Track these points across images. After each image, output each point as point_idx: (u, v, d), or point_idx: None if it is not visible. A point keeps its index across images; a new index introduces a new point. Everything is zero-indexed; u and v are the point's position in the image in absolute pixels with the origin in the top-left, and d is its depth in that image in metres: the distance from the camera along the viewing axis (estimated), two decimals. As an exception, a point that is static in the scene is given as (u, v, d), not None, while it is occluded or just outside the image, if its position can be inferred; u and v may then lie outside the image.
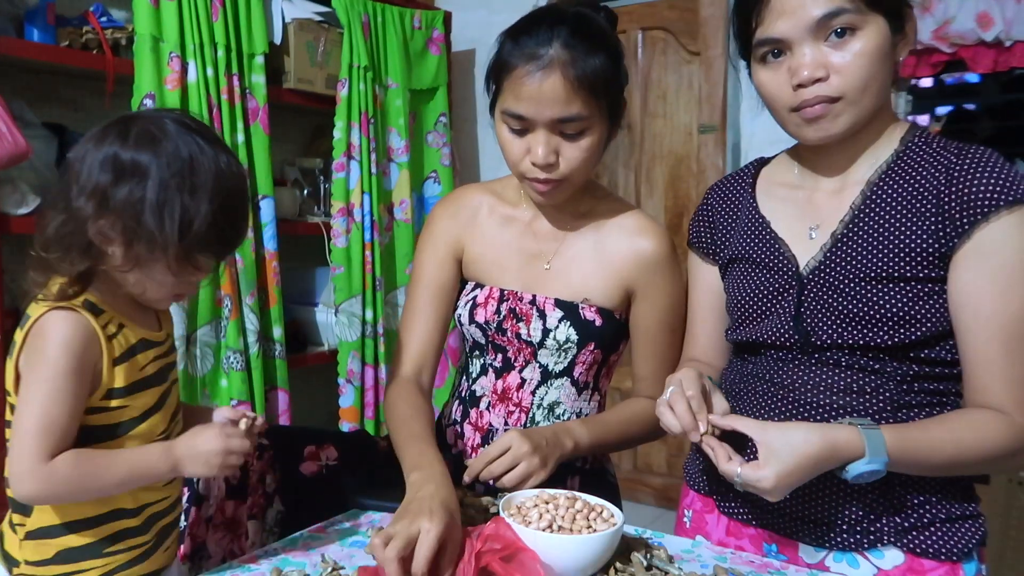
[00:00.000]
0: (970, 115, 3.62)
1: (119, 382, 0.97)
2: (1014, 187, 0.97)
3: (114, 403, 0.97)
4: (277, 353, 2.55)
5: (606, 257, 1.29)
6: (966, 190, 0.98)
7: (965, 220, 0.97)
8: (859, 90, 1.00)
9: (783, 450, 0.94)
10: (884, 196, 1.05)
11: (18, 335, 0.95)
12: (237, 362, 2.40)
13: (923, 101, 3.28)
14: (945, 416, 1.01)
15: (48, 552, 0.96)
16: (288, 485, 1.27)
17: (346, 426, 2.74)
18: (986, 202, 0.96)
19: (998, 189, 0.96)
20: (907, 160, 1.06)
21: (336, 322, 2.72)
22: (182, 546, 1.14)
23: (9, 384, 0.96)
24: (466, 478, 1.11)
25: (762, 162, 1.23)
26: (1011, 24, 2.51)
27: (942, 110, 3.61)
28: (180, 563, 1.12)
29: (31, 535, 0.96)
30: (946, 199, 0.99)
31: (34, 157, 1.93)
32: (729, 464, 0.98)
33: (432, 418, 1.23)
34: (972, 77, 3.16)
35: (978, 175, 0.98)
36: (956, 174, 0.99)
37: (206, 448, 0.97)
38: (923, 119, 3.51)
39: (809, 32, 1.00)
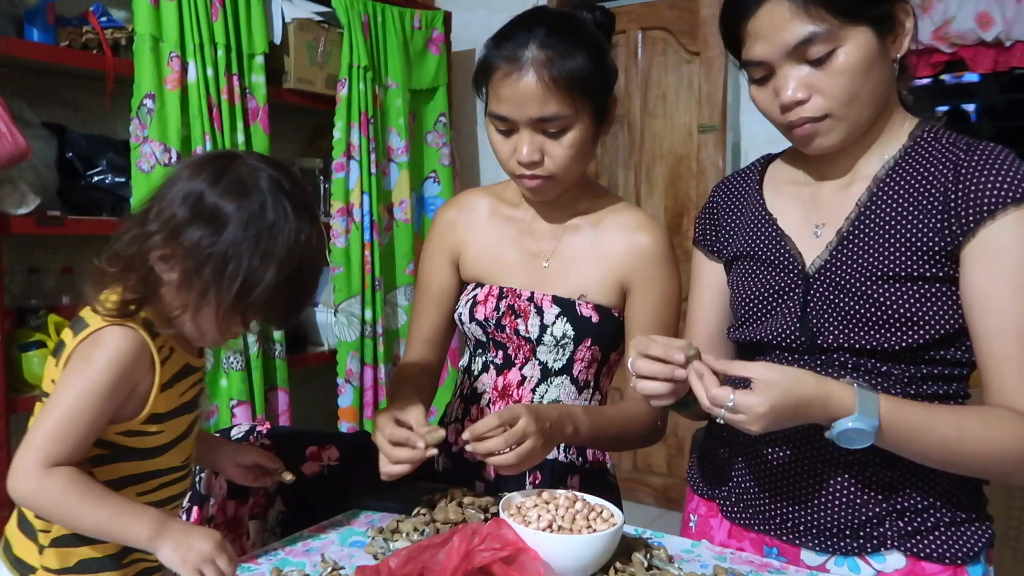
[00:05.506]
0: (968, 115, 3.62)
1: (162, 407, 0.96)
2: (1022, 184, 0.94)
3: (153, 428, 0.96)
4: (277, 353, 2.54)
5: (603, 254, 1.30)
6: (973, 187, 0.96)
7: (971, 218, 0.95)
8: (844, 106, 0.98)
9: (780, 382, 0.89)
10: (891, 193, 1.03)
11: (68, 337, 0.93)
12: (237, 362, 2.40)
13: (923, 100, 3.29)
14: (957, 405, 0.98)
15: (70, 560, 0.96)
16: (290, 485, 1.27)
17: (345, 426, 2.74)
18: (993, 200, 0.94)
19: (1005, 186, 0.94)
20: (915, 156, 1.03)
21: (335, 322, 2.72)
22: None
23: (47, 386, 0.95)
24: (465, 435, 1.07)
25: (769, 159, 1.21)
26: (1011, 24, 2.51)
27: (942, 110, 3.61)
28: None
29: (56, 542, 0.95)
30: (953, 196, 0.97)
31: (34, 157, 1.92)
32: (720, 389, 0.91)
33: (425, 381, 1.36)
34: (971, 77, 3.16)
35: (986, 172, 0.96)
36: (964, 171, 0.97)
37: (197, 545, 0.89)
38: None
39: (787, 55, 0.99)
